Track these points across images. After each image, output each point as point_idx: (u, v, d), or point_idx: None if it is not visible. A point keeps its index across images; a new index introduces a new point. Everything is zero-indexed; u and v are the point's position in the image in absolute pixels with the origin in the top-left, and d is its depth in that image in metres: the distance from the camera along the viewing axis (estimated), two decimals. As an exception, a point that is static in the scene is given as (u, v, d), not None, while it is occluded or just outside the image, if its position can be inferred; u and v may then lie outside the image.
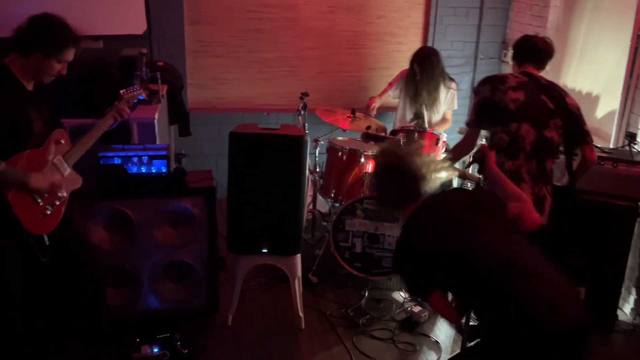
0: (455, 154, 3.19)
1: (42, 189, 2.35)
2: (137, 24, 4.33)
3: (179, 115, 4.21)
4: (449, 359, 2.22)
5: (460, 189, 2.52)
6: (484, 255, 1.94)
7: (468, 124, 2.96)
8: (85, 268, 2.68)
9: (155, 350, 2.86)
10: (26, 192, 2.32)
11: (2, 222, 2.31)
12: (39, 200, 2.37)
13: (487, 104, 2.81)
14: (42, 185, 2.35)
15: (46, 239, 2.43)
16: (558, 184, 3.01)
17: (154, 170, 3.00)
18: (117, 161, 2.94)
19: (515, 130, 2.75)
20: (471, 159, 2.49)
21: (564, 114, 2.82)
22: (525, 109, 2.76)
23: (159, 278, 3.14)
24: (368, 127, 3.01)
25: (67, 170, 2.51)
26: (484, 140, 3.17)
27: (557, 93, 2.87)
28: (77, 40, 2.41)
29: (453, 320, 2.24)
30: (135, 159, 2.97)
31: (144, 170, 2.99)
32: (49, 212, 2.42)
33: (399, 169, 2.17)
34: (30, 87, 2.42)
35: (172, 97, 4.03)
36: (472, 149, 3.05)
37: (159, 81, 3.58)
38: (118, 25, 4.25)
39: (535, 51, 2.95)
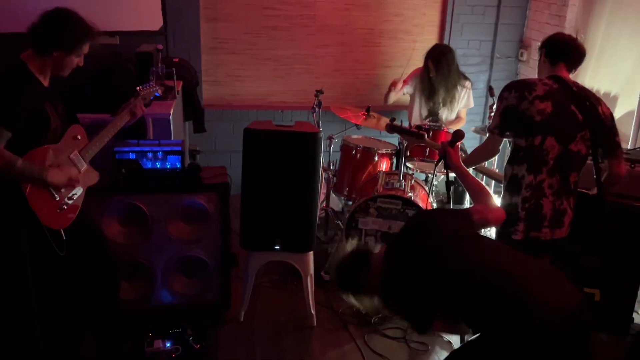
0: (472, 158, 2.99)
1: (59, 184, 2.37)
2: (153, 20, 4.35)
3: (194, 112, 4.23)
4: (451, 353, 2.19)
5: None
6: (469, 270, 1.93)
7: (490, 130, 2.77)
8: (103, 262, 2.70)
9: (168, 344, 2.87)
10: (43, 188, 2.34)
11: (20, 217, 2.33)
12: (56, 196, 2.39)
13: (512, 113, 2.64)
14: (59, 180, 2.36)
15: (63, 233, 2.43)
16: (588, 192, 2.88)
17: (168, 166, 3.01)
18: (132, 156, 2.96)
19: (538, 144, 2.60)
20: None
21: (594, 126, 2.65)
22: (551, 121, 2.59)
23: (172, 273, 3.16)
24: (393, 119, 2.98)
25: (84, 166, 2.52)
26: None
27: (588, 102, 2.68)
28: (94, 33, 2.43)
29: (462, 334, 2.24)
30: (150, 154, 2.99)
31: (158, 166, 3.01)
32: (65, 208, 2.44)
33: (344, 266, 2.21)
34: (46, 82, 2.43)
35: (188, 93, 4.05)
36: (493, 156, 2.92)
37: (175, 77, 3.60)
38: (134, 21, 4.28)
39: (571, 51, 2.74)
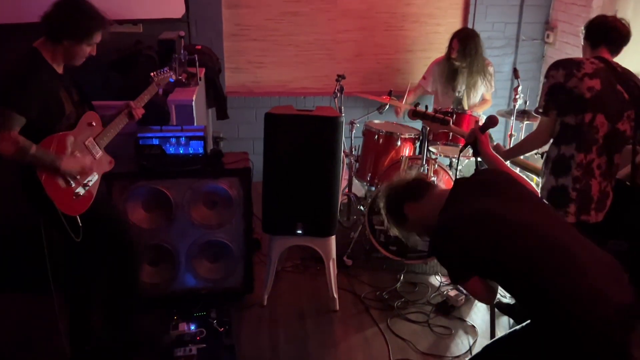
0: (523, 146, 2.90)
1: (73, 172, 2.40)
2: (176, 8, 4.36)
3: (217, 99, 4.24)
4: (493, 342, 2.16)
5: (482, 173, 2.45)
6: (526, 235, 1.89)
7: (537, 111, 2.76)
8: (123, 245, 2.74)
9: (192, 327, 2.91)
10: (58, 175, 2.37)
11: (37, 203, 2.38)
12: (72, 183, 2.42)
13: (559, 91, 2.60)
14: (73, 168, 2.39)
15: (79, 219, 2.47)
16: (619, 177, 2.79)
17: (191, 151, 3.04)
18: (155, 142, 2.99)
19: (589, 122, 2.56)
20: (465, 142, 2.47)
21: (638, 106, 2.61)
22: (601, 98, 2.55)
23: (196, 257, 3.19)
24: (417, 104, 2.95)
25: (99, 153, 2.55)
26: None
27: (632, 82, 2.64)
28: (105, 22, 2.43)
29: (487, 302, 2.18)
30: (173, 140, 3.01)
31: (181, 151, 3.03)
32: (81, 194, 2.46)
33: (396, 189, 2.21)
34: (60, 69, 2.45)
35: (210, 80, 4.06)
36: (547, 140, 2.77)
37: (197, 64, 3.61)
38: (157, 9, 4.29)
39: (613, 33, 2.67)
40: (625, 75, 2.65)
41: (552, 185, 2.66)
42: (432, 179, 3.51)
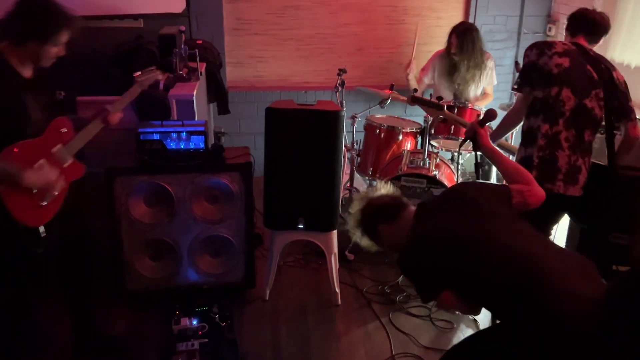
0: (501, 126, 3.02)
1: (36, 186, 2.27)
2: (176, 3, 4.36)
3: (218, 94, 4.24)
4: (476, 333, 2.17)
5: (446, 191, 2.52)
6: (490, 248, 1.91)
7: (513, 88, 2.95)
8: (79, 252, 2.66)
9: (194, 322, 2.91)
10: (22, 188, 2.23)
11: None
12: (35, 194, 2.29)
13: (531, 68, 2.77)
14: (35, 182, 2.26)
15: (42, 230, 2.34)
16: (599, 162, 2.90)
17: (192, 146, 3.04)
18: (156, 137, 2.99)
19: (555, 95, 2.70)
20: (464, 136, 2.49)
21: (607, 87, 2.74)
22: (568, 74, 2.70)
23: (198, 252, 3.20)
24: (415, 90, 2.98)
25: (69, 160, 2.43)
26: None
27: (603, 66, 2.78)
28: (71, 21, 2.29)
29: (472, 313, 2.20)
30: (174, 135, 3.01)
31: (182, 146, 3.03)
32: (44, 204, 2.33)
33: (370, 210, 2.25)
34: (27, 73, 2.31)
35: (211, 75, 4.06)
36: (521, 118, 2.91)
37: (198, 59, 3.60)
38: (158, 4, 4.29)
39: (590, 23, 2.87)
40: (596, 58, 2.80)
41: (522, 156, 2.80)
42: (434, 172, 3.50)
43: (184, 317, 2.92)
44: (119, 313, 3.13)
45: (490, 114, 2.46)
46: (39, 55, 2.27)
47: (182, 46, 3.58)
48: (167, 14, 4.29)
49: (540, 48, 2.79)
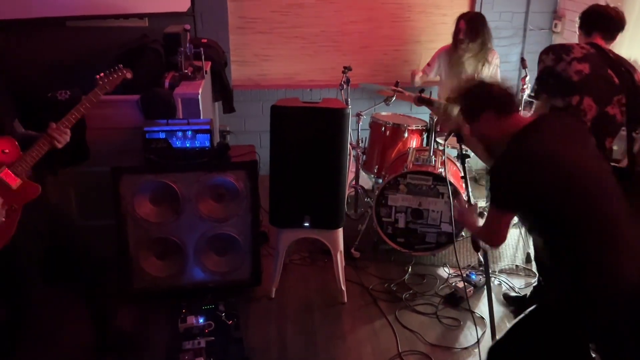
0: None
1: None
2: (181, 2, 4.36)
3: (223, 92, 4.24)
4: (509, 330, 2.16)
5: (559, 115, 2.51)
6: (591, 181, 1.94)
7: (530, 95, 2.89)
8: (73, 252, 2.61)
9: (201, 320, 2.92)
10: None
11: None
12: None
13: (548, 74, 2.68)
14: None
15: None
16: (618, 165, 2.82)
17: (197, 145, 3.04)
18: (161, 135, 3.00)
19: (576, 104, 2.61)
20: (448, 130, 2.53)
21: (629, 91, 2.64)
22: (589, 82, 2.60)
23: (204, 250, 3.20)
24: (422, 90, 2.97)
25: (17, 181, 2.29)
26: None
27: (624, 68, 2.68)
28: None
29: (491, 244, 2.17)
30: (179, 134, 3.02)
31: (188, 145, 3.04)
32: None
33: (486, 92, 2.16)
34: None
35: (216, 73, 4.06)
36: None
37: (203, 57, 3.61)
38: (163, 3, 4.30)
39: (605, 20, 2.76)
40: (617, 61, 2.70)
41: None
42: (440, 170, 3.49)
43: (190, 315, 2.93)
44: (125, 311, 3.14)
45: None
46: None
47: (187, 45, 3.59)
48: (172, 13, 4.29)
49: (557, 53, 2.68)
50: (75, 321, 3.03)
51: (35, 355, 2.79)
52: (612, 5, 2.95)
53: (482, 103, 2.13)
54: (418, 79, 4.37)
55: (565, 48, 2.70)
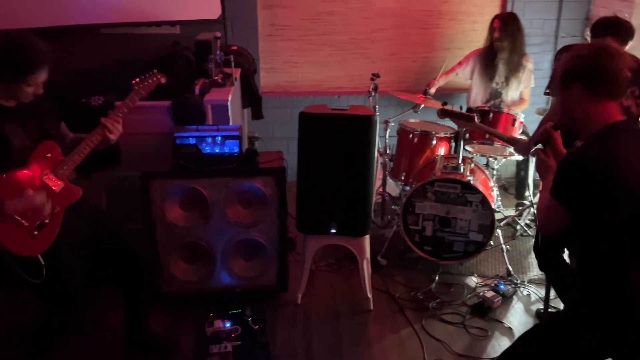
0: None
1: (22, 213, 2.23)
2: (212, 9, 4.42)
3: (252, 99, 4.28)
4: (525, 334, 2.12)
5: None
6: None
7: (545, 92, 2.94)
8: (129, 263, 2.68)
9: (228, 325, 2.94)
10: (8, 217, 2.21)
11: None
12: (24, 223, 2.24)
13: None
14: (20, 208, 2.22)
15: (41, 258, 2.30)
16: None
17: (226, 150, 3.07)
18: (191, 141, 3.03)
19: None
20: (535, 139, 2.39)
21: None
22: None
23: (231, 255, 3.23)
24: (445, 103, 2.96)
25: (60, 185, 2.36)
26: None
27: (637, 63, 2.73)
28: (43, 62, 2.23)
29: (545, 228, 2.04)
30: (209, 139, 3.05)
31: (217, 151, 3.07)
32: (36, 233, 2.28)
33: (586, 65, 1.97)
34: (10, 102, 2.29)
35: (245, 80, 4.10)
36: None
37: (233, 64, 3.65)
38: (194, 10, 4.36)
39: (617, 26, 2.90)
40: (628, 55, 2.70)
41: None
42: (469, 178, 3.46)
43: (217, 319, 2.96)
44: (154, 315, 3.17)
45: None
46: (15, 93, 2.25)
47: (218, 52, 3.63)
48: (203, 20, 4.36)
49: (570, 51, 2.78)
50: (107, 321, 3.09)
51: (67, 353, 2.84)
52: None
53: (576, 74, 1.96)
54: (433, 90, 4.31)
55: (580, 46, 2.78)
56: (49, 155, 2.35)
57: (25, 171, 2.28)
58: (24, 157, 2.29)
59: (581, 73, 1.95)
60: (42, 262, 2.29)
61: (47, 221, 2.32)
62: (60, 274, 2.38)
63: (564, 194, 1.91)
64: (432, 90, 4.28)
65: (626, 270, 1.82)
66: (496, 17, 4.21)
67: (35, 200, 2.26)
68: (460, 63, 4.40)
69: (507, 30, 4.08)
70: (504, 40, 4.10)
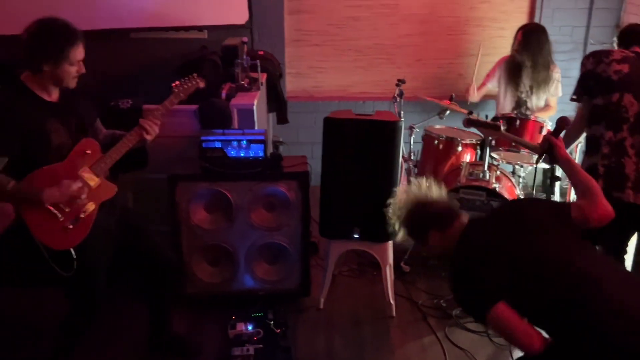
0: (568, 135, 2.91)
1: (59, 202, 2.27)
2: (239, 14, 4.47)
3: (277, 103, 4.31)
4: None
5: (504, 207, 2.50)
6: (542, 269, 1.88)
7: (572, 98, 2.91)
8: (155, 265, 2.71)
9: (250, 327, 2.96)
10: (44, 209, 2.25)
11: (13, 241, 2.30)
12: (59, 215, 2.29)
13: (589, 77, 2.76)
14: (58, 199, 2.26)
15: (73, 252, 2.34)
16: None
17: (251, 154, 3.09)
18: (217, 145, 3.07)
19: (616, 101, 2.66)
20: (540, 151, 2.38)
21: None
22: (628, 80, 2.67)
23: (255, 259, 3.24)
24: (470, 112, 2.95)
25: (96, 181, 2.40)
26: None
27: None
28: (76, 37, 2.28)
29: (533, 345, 1.86)
30: (234, 143, 3.08)
31: (242, 154, 3.09)
32: (71, 227, 2.32)
33: (424, 214, 2.20)
34: (52, 97, 2.35)
35: (271, 85, 4.13)
36: (584, 127, 2.86)
37: (259, 69, 3.68)
38: (222, 16, 4.42)
39: None
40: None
41: (587, 165, 2.74)
42: (494, 185, 3.43)
43: (239, 322, 2.98)
44: (177, 316, 3.21)
45: (564, 122, 2.38)
46: (58, 76, 2.28)
47: (244, 57, 3.67)
48: (230, 25, 4.41)
49: (597, 56, 2.77)
50: (129, 323, 3.13)
51: (91, 351, 2.88)
52: None
53: (424, 225, 2.17)
54: (476, 94, 4.29)
55: (605, 52, 2.79)
56: (88, 151, 2.40)
57: (64, 165, 2.33)
58: (62, 154, 2.33)
59: (428, 221, 2.18)
60: (74, 256, 2.33)
61: (81, 216, 2.35)
62: (87, 270, 2.42)
63: (490, 295, 1.91)
64: (475, 99, 4.32)
65: None
66: (520, 29, 4.15)
67: (72, 188, 2.29)
68: (488, 75, 4.36)
69: (526, 46, 4.04)
70: (523, 55, 4.06)
